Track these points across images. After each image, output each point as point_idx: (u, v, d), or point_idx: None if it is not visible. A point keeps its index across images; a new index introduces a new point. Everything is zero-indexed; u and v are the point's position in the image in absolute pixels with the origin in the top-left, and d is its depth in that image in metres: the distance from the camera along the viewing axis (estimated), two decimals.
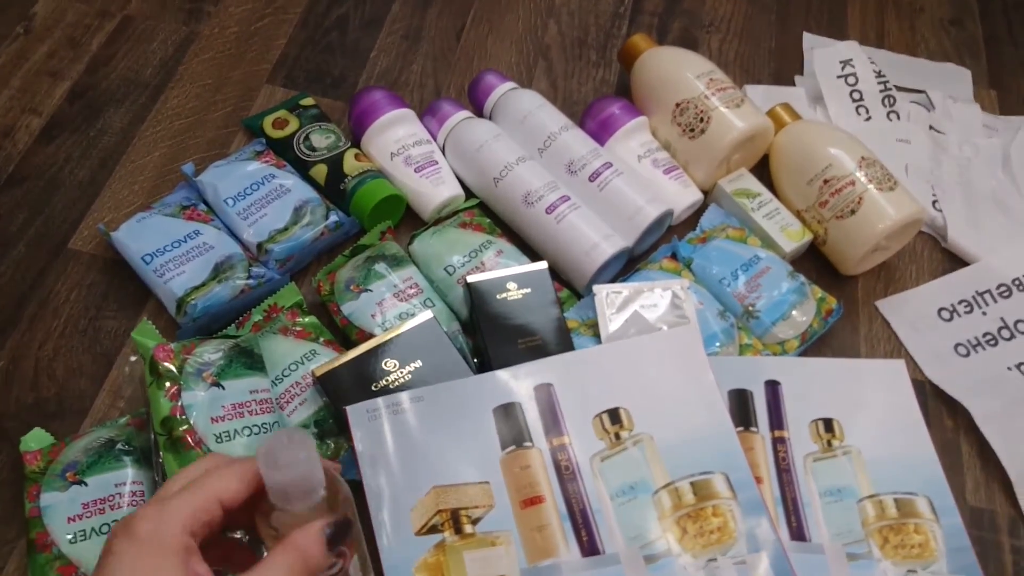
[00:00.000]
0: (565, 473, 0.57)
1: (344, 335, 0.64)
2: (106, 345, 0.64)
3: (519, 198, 0.69)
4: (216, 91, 0.79)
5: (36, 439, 0.58)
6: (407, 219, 0.73)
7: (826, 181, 0.71)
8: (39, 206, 0.70)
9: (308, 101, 0.77)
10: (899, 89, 0.85)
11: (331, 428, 0.59)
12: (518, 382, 0.59)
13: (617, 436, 0.59)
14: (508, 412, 0.58)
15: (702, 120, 0.73)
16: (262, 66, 0.81)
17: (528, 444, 0.58)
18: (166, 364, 0.56)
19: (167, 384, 0.55)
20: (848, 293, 0.73)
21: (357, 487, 0.57)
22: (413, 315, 0.63)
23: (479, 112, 0.77)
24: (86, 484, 0.55)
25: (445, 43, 0.85)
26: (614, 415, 0.59)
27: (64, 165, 0.73)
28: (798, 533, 0.60)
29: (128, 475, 0.56)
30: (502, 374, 0.59)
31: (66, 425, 0.60)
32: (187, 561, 0.39)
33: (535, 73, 0.84)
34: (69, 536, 0.53)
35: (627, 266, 0.72)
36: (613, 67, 0.86)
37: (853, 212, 0.69)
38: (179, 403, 0.55)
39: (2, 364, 0.63)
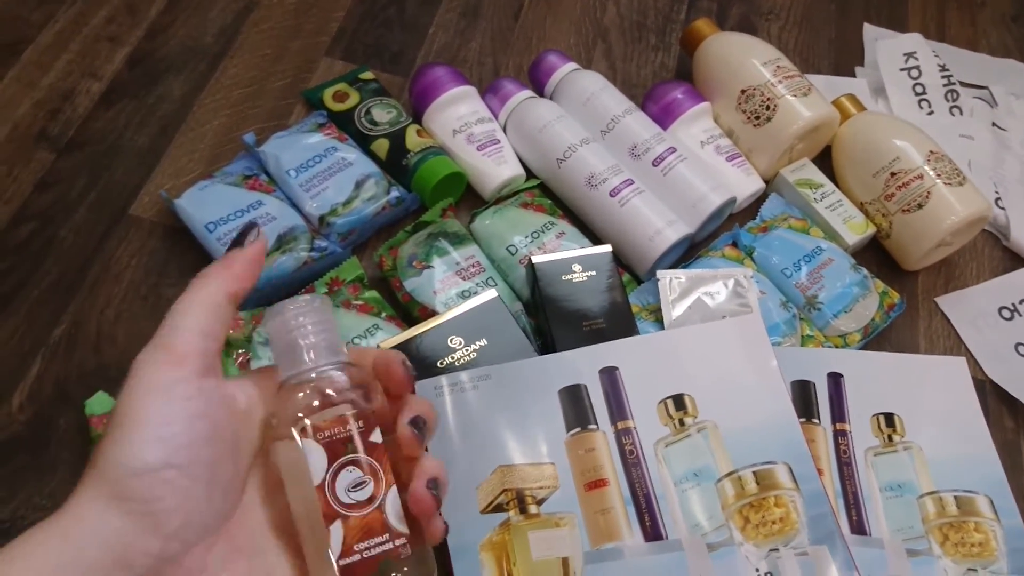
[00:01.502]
0: (629, 457, 0.57)
1: (406, 311, 0.64)
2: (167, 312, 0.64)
3: (582, 180, 0.69)
4: (275, 61, 0.78)
5: (100, 403, 0.58)
6: (467, 197, 0.72)
7: (893, 174, 0.70)
8: (99, 171, 0.70)
9: (368, 75, 0.76)
10: (961, 84, 0.84)
11: None
12: (584, 364, 0.59)
13: (681, 422, 0.58)
14: (574, 394, 0.58)
15: (768, 108, 0.72)
16: (321, 38, 0.80)
17: (593, 427, 0.57)
18: (235, 332, 0.55)
19: (236, 352, 0.55)
20: (908, 288, 0.73)
21: None
22: (475, 294, 0.62)
23: (540, 92, 0.76)
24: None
25: (503, 22, 0.84)
26: (679, 401, 0.59)
27: (124, 131, 0.72)
28: (858, 527, 0.59)
29: None
30: (568, 355, 0.59)
31: None
32: (202, 373, 0.35)
33: (594, 55, 0.83)
34: None
35: (688, 253, 0.71)
36: (672, 51, 0.85)
37: (920, 206, 0.68)
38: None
39: (64, 328, 0.62)
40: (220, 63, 0.77)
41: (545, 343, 0.62)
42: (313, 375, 0.36)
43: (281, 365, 0.37)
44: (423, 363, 0.57)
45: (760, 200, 0.74)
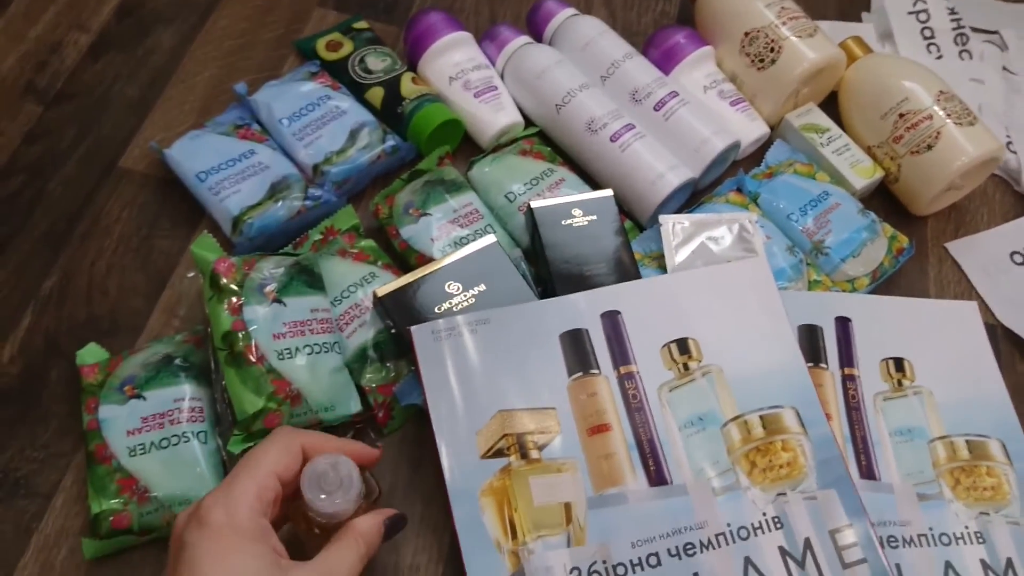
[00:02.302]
0: (632, 402, 0.56)
1: (403, 259, 0.63)
2: (159, 263, 0.63)
3: (582, 125, 0.67)
4: (267, 12, 0.76)
5: (92, 353, 0.57)
6: (465, 145, 0.70)
7: (901, 115, 0.68)
8: (89, 124, 0.69)
9: (361, 24, 0.74)
10: (971, 29, 0.82)
11: (391, 351, 0.58)
12: (585, 308, 0.57)
13: (686, 367, 0.57)
14: (575, 338, 0.56)
15: (772, 50, 0.70)
16: None
17: (595, 371, 0.56)
18: (227, 278, 0.54)
19: (229, 298, 0.54)
20: (918, 234, 0.71)
21: (418, 413, 0.56)
22: (472, 240, 0.61)
23: (538, 39, 0.74)
24: (144, 398, 0.54)
25: None
26: (683, 345, 0.57)
27: (113, 83, 0.71)
28: (868, 472, 0.58)
29: (187, 391, 0.55)
30: (569, 299, 0.57)
31: (120, 342, 0.59)
32: (270, 544, 0.40)
33: (593, 3, 0.81)
34: (129, 448, 0.52)
35: (691, 199, 0.70)
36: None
37: (930, 147, 0.67)
38: (240, 317, 0.53)
39: (55, 281, 0.61)
40: (211, 14, 0.76)
41: (545, 290, 0.61)
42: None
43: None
44: (421, 309, 0.56)
45: (765, 146, 0.72)
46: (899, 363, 0.62)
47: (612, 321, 0.57)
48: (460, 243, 0.62)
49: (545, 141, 0.70)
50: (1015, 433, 0.61)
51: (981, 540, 0.56)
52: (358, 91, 0.69)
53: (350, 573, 0.43)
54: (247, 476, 0.42)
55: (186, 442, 0.53)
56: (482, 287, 0.58)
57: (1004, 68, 0.80)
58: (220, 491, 0.41)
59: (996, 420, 0.61)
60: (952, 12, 0.82)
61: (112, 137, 0.68)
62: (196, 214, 0.64)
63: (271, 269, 0.56)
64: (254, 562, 0.39)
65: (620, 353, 0.57)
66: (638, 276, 0.61)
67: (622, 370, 0.56)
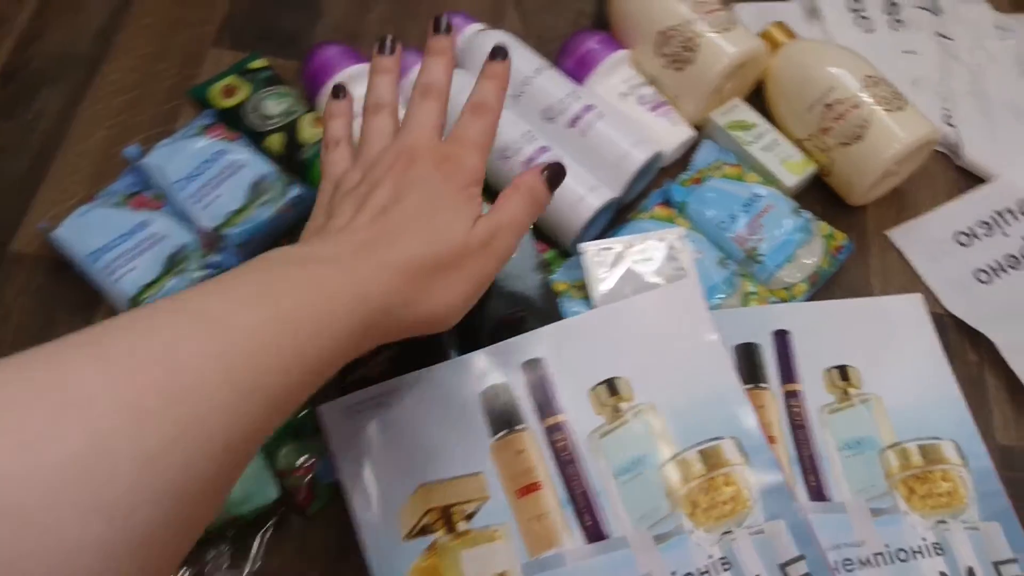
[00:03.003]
0: (562, 455, 0.53)
1: None
2: None
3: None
4: (158, 60, 0.72)
5: None
6: None
7: (828, 105, 0.65)
8: None
9: (259, 63, 0.70)
10: None
11: (307, 428, 0.55)
12: (505, 360, 0.55)
13: (616, 409, 0.54)
14: (495, 394, 0.54)
15: (689, 49, 0.66)
16: (207, 28, 0.74)
17: (520, 427, 0.53)
18: None
19: None
20: (858, 225, 0.68)
21: (338, 490, 0.54)
22: None
23: None
24: None
25: None
26: (611, 386, 0.55)
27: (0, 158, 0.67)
28: (818, 493, 0.56)
29: None
30: (486, 353, 0.55)
31: None
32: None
33: (504, 11, 0.77)
34: None
35: (617, 216, 0.66)
36: None
37: (860, 137, 0.63)
38: None
39: None
40: (99, 68, 0.72)
41: (464, 341, 0.58)
42: None
43: None
44: (329, 383, 0.53)
45: (693, 149, 0.69)
46: (843, 371, 0.59)
47: (534, 370, 0.55)
48: None
49: None
50: (968, 430, 0.58)
51: (940, 551, 0.54)
52: (257, 139, 0.66)
53: (521, 223, 0.48)
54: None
55: None
56: (395, 348, 0.55)
57: (938, 34, 0.77)
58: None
59: (949, 418, 0.59)
60: None
61: (1, 219, 0.64)
62: (94, 297, 0.61)
63: None
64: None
65: (545, 404, 0.54)
66: (560, 314, 0.58)
67: (549, 421, 0.54)
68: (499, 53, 0.51)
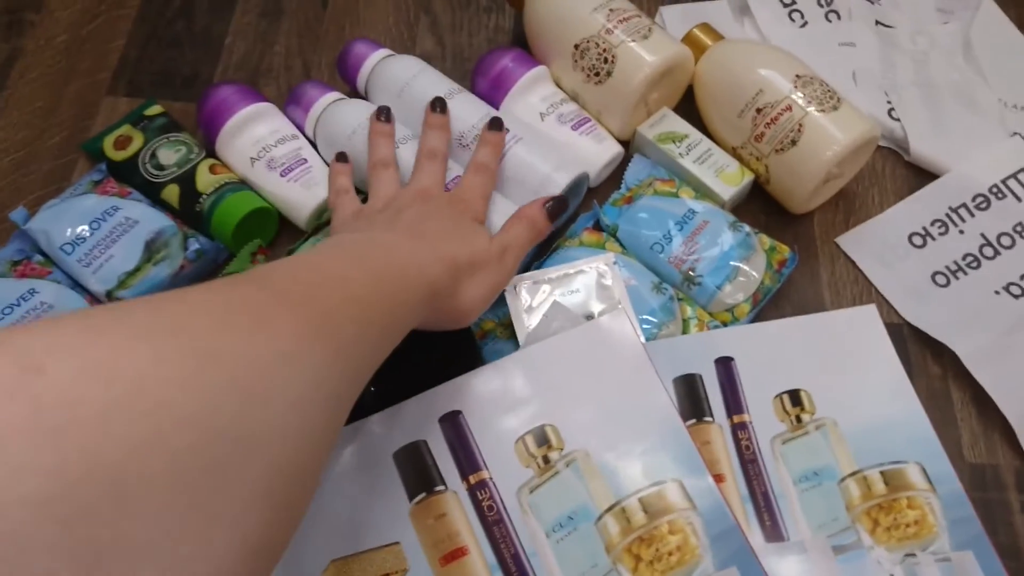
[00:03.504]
0: (489, 515, 0.49)
1: None
2: None
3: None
4: (50, 114, 0.68)
5: None
6: (284, 231, 0.62)
7: (759, 110, 0.60)
8: None
9: (155, 110, 0.66)
10: None
11: None
12: (419, 416, 0.50)
13: (546, 459, 0.50)
14: (411, 454, 0.49)
15: (607, 60, 0.62)
16: (100, 75, 0.70)
17: (441, 488, 0.49)
18: None
19: None
20: (803, 234, 0.64)
21: None
22: None
23: (354, 92, 0.66)
24: None
25: (310, 13, 0.74)
26: (540, 435, 0.50)
27: None
28: (774, 533, 0.51)
29: None
30: (400, 409, 0.50)
31: None
32: None
33: (417, 32, 0.73)
34: None
35: (544, 246, 0.62)
36: (508, 11, 0.74)
37: (794, 142, 0.59)
38: None
39: None
40: None
41: (380, 392, 0.53)
42: None
43: None
44: None
45: (623, 166, 0.65)
46: (795, 396, 0.55)
47: (453, 424, 0.50)
48: None
49: None
50: (934, 449, 0.54)
51: None
52: (153, 192, 0.61)
53: (522, 245, 0.54)
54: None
55: None
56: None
57: (877, 22, 0.73)
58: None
59: (912, 439, 0.54)
60: None
61: None
62: None
63: None
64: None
65: (467, 460, 0.49)
66: (482, 359, 0.53)
67: (472, 479, 0.49)
68: (496, 124, 0.59)
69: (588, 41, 0.63)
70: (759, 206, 0.64)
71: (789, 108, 0.59)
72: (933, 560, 0.51)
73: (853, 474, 0.53)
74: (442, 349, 0.52)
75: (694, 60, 0.65)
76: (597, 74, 0.63)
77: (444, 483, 0.49)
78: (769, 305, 0.60)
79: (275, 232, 0.62)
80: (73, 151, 0.66)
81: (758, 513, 0.52)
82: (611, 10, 0.63)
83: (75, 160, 0.66)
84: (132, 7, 0.73)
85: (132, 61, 0.70)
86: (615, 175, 0.65)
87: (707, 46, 0.65)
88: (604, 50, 0.62)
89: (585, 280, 0.57)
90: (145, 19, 0.73)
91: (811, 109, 0.59)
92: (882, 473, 0.53)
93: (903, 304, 0.61)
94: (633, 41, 0.62)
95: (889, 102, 0.68)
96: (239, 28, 0.73)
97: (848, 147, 0.58)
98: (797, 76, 0.60)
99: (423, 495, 0.48)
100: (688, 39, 0.65)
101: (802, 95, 0.60)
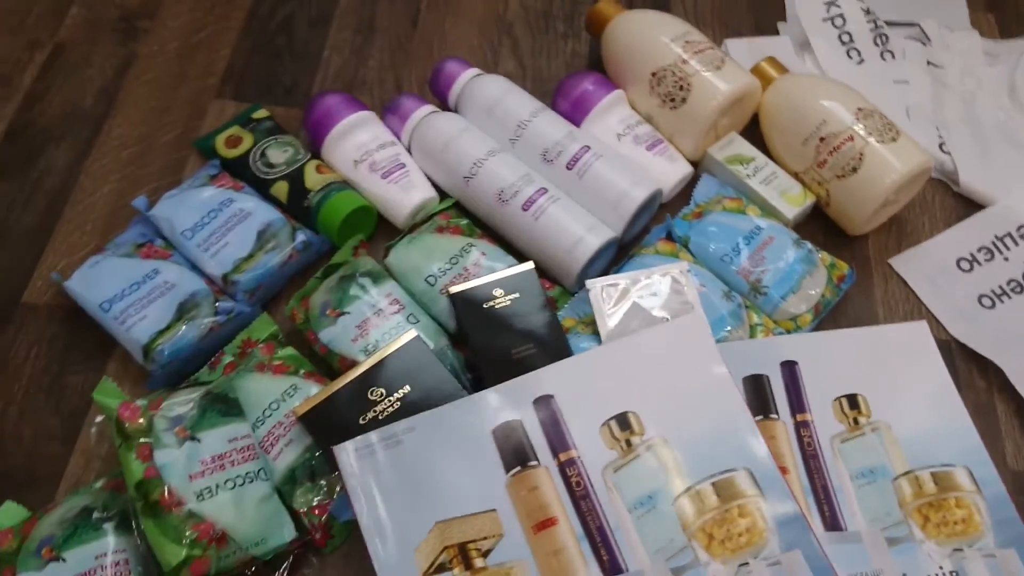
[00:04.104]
0: (577, 490, 0.53)
1: (326, 364, 0.60)
2: (74, 402, 0.60)
3: (493, 196, 0.64)
4: (163, 113, 0.73)
5: (8, 514, 0.54)
6: (380, 229, 0.68)
7: (822, 139, 0.66)
8: None
9: (261, 113, 0.71)
10: (890, 25, 0.80)
11: (322, 467, 0.55)
12: (516, 397, 0.55)
13: (628, 443, 0.54)
14: (508, 431, 0.54)
15: (682, 88, 0.67)
16: (209, 81, 0.76)
17: (534, 463, 0.53)
18: (132, 424, 0.51)
19: (137, 444, 0.51)
20: (859, 254, 0.69)
21: (354, 528, 0.53)
22: (397, 335, 0.58)
23: (444, 105, 0.72)
24: (64, 560, 0.51)
25: (401, 32, 0.80)
26: (623, 421, 0.55)
27: (8, 213, 0.68)
28: (832, 523, 0.55)
29: (109, 544, 0.52)
30: (497, 391, 0.55)
31: (40, 493, 0.56)
32: None
33: (500, 54, 0.79)
34: None
35: (620, 253, 0.67)
36: (584, 37, 0.80)
37: (855, 170, 0.64)
38: (152, 464, 0.51)
39: None
40: (104, 124, 0.73)
41: (477, 377, 0.58)
42: None
43: None
44: (343, 423, 0.53)
45: (692, 185, 0.70)
46: (853, 400, 0.60)
47: (546, 407, 0.55)
48: (384, 339, 0.59)
49: (463, 212, 0.67)
50: (980, 456, 0.58)
51: None
52: (262, 188, 0.66)
53: None
54: None
55: None
56: (407, 388, 0.55)
57: (928, 62, 0.78)
58: None
59: (960, 446, 0.59)
60: (867, 12, 0.80)
61: (12, 272, 0.65)
62: (108, 343, 0.61)
63: (180, 406, 0.53)
64: None
65: (558, 440, 0.54)
66: (569, 351, 0.58)
67: (562, 457, 0.54)
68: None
69: (665, 70, 0.68)
70: (818, 226, 0.69)
71: (851, 138, 0.65)
72: (979, 556, 0.55)
73: (906, 474, 0.57)
74: (533, 341, 0.57)
75: (762, 90, 0.70)
76: (672, 100, 0.68)
77: (537, 459, 0.53)
78: (827, 318, 0.65)
79: (374, 229, 0.67)
80: (184, 148, 0.72)
81: (818, 504, 0.56)
82: (687, 42, 0.68)
83: (187, 156, 0.71)
84: (237, 20, 0.79)
85: (238, 69, 0.76)
86: (684, 193, 0.70)
87: (773, 78, 0.70)
88: (680, 78, 0.67)
89: (661, 285, 0.62)
90: (249, 32, 0.79)
91: (872, 140, 0.64)
92: (932, 474, 0.57)
93: (951, 322, 0.66)
94: (707, 71, 0.67)
95: (940, 137, 0.73)
96: (336, 43, 0.78)
97: (906, 176, 0.64)
98: (859, 109, 0.66)
99: (518, 469, 0.53)
100: (756, 71, 0.71)
101: (863, 126, 0.65)
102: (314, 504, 0.54)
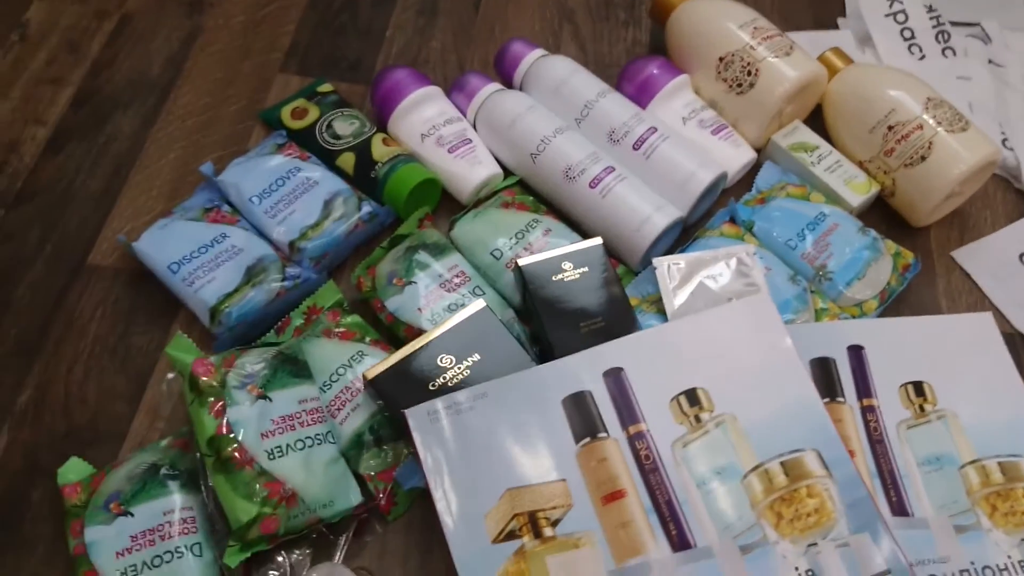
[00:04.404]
0: (646, 463, 0.53)
1: (391, 332, 0.60)
2: (139, 363, 0.60)
3: (560, 173, 0.64)
4: (228, 85, 0.74)
5: (74, 470, 0.54)
6: (445, 203, 0.68)
7: (891, 127, 0.65)
8: (53, 222, 0.66)
9: (326, 87, 0.72)
10: (951, 24, 0.80)
11: (388, 433, 0.55)
12: (585, 369, 0.55)
13: (697, 418, 0.54)
14: (579, 402, 0.54)
15: (750, 73, 0.67)
16: (273, 55, 0.76)
17: (603, 435, 0.53)
18: (207, 379, 0.51)
19: (210, 400, 0.51)
20: (921, 245, 0.68)
21: (424, 495, 0.53)
22: (462, 306, 0.58)
23: (508, 84, 0.72)
24: (132, 515, 0.51)
25: (464, 15, 0.80)
26: (692, 396, 0.55)
27: (75, 176, 0.68)
28: (899, 508, 0.55)
29: (176, 502, 0.52)
30: (567, 361, 0.55)
31: (104, 452, 0.56)
32: None
33: (561, 38, 0.79)
34: (119, 572, 0.49)
35: (683, 235, 0.67)
36: (644, 25, 0.81)
37: (924, 159, 0.64)
38: (225, 420, 0.51)
39: (30, 393, 0.58)
40: (170, 93, 0.73)
41: (542, 350, 0.58)
42: None
43: None
44: (414, 388, 0.53)
45: (754, 170, 0.70)
46: (919, 387, 0.59)
47: (615, 380, 0.55)
48: (449, 309, 0.59)
49: (527, 190, 0.68)
50: None
51: None
52: (328, 158, 0.67)
53: None
54: None
55: (179, 557, 0.50)
56: (476, 356, 0.55)
57: (990, 61, 0.78)
58: None
59: None
60: (930, 9, 0.80)
61: (79, 233, 0.65)
62: (173, 306, 0.62)
63: (253, 364, 0.53)
64: None
65: (627, 412, 0.54)
66: (637, 326, 0.58)
67: (631, 430, 0.53)
68: None
69: (733, 55, 0.68)
70: (880, 217, 0.69)
71: (920, 127, 0.64)
72: None
73: (973, 462, 0.57)
74: (602, 315, 0.57)
75: (827, 79, 0.70)
76: (740, 85, 0.68)
77: (607, 430, 0.53)
78: (891, 307, 0.64)
79: (438, 202, 0.68)
80: (249, 119, 0.72)
81: (885, 489, 0.55)
82: (756, 28, 0.69)
83: (251, 127, 0.72)
84: None
85: (303, 45, 0.77)
86: (746, 180, 0.70)
87: (839, 68, 0.70)
88: (748, 64, 0.68)
89: (727, 266, 0.62)
90: (315, 8, 0.79)
91: (940, 129, 0.64)
92: (1000, 464, 0.57)
93: (1015, 315, 0.65)
94: (776, 57, 0.67)
95: (1003, 133, 0.73)
96: (399, 23, 0.79)
97: (975, 166, 0.63)
98: (928, 99, 0.66)
99: (588, 439, 0.53)
100: (822, 59, 0.71)
101: (932, 116, 0.65)
102: (379, 470, 0.54)
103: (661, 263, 0.61)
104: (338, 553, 0.52)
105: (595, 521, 0.51)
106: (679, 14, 0.73)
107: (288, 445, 0.51)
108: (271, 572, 0.51)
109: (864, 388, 0.59)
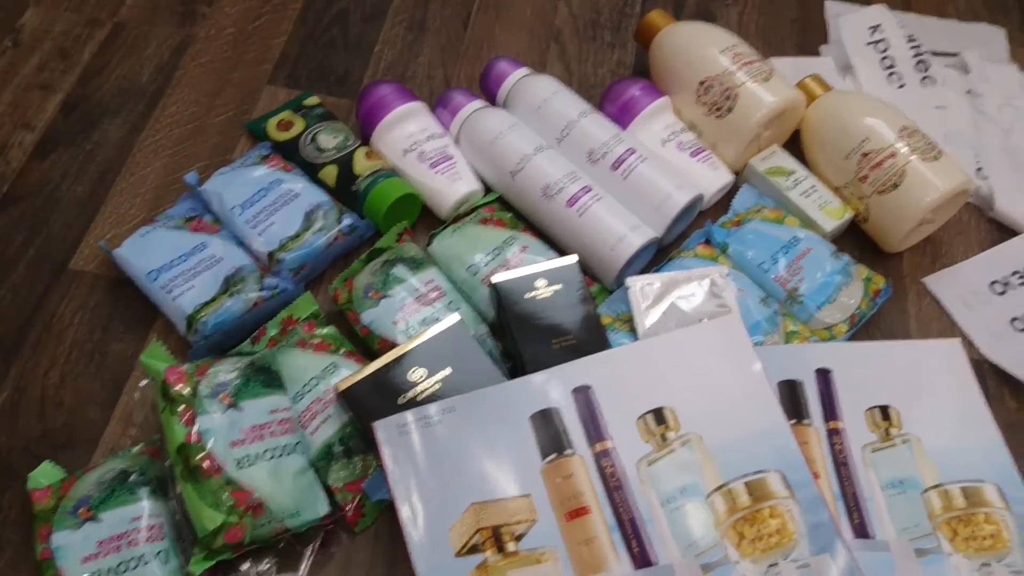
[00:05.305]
0: (611, 480, 0.53)
1: (365, 345, 0.61)
2: (115, 369, 0.61)
3: (538, 191, 0.65)
4: (216, 95, 0.75)
5: (45, 474, 0.54)
6: (424, 218, 0.69)
7: (865, 154, 0.67)
8: (37, 226, 0.67)
9: (313, 100, 0.73)
10: (932, 54, 0.81)
11: (358, 445, 0.55)
12: (554, 386, 0.55)
13: (664, 437, 0.55)
14: (546, 418, 0.54)
15: (729, 97, 0.69)
16: (262, 67, 0.77)
17: (569, 452, 0.54)
18: (178, 387, 0.52)
19: (180, 408, 0.52)
20: (893, 271, 0.69)
21: (391, 507, 0.54)
22: (437, 320, 0.59)
23: (493, 102, 0.73)
24: (100, 520, 0.52)
25: (452, 32, 0.81)
26: (659, 415, 0.55)
27: (61, 181, 0.69)
28: (861, 530, 0.56)
29: (144, 508, 0.52)
30: (537, 378, 0.55)
31: (77, 456, 0.57)
32: None
33: (548, 58, 0.80)
34: None
35: (658, 256, 0.68)
36: (629, 47, 0.82)
37: (896, 186, 0.65)
38: (195, 428, 0.51)
39: (6, 395, 0.59)
40: (158, 102, 0.74)
41: (515, 366, 0.59)
42: None
43: None
44: (384, 401, 0.54)
45: (732, 193, 0.71)
46: (885, 411, 0.60)
47: (583, 397, 0.55)
48: (424, 323, 0.60)
49: (506, 207, 0.69)
50: (1010, 475, 0.59)
51: None
52: (312, 171, 0.68)
53: None
54: None
55: (145, 564, 0.50)
56: (448, 371, 0.56)
57: (968, 91, 0.79)
58: None
59: (990, 463, 0.59)
60: (911, 39, 0.81)
61: (62, 238, 0.66)
62: (150, 314, 0.62)
63: (225, 373, 0.54)
64: None
65: (594, 430, 0.55)
66: (607, 345, 0.59)
67: (597, 447, 0.54)
68: None
69: (713, 79, 0.69)
70: (853, 242, 0.70)
71: (893, 155, 0.66)
72: (1007, 572, 0.55)
73: (936, 487, 0.57)
74: (573, 332, 0.58)
75: (805, 105, 0.71)
76: (719, 109, 0.69)
77: (573, 447, 0.54)
78: (861, 331, 0.65)
79: (417, 217, 0.68)
80: (236, 129, 0.73)
81: (848, 511, 0.56)
82: (736, 53, 0.70)
83: (237, 137, 0.73)
84: (293, 10, 0.81)
85: (291, 57, 0.78)
86: (722, 202, 0.71)
87: (817, 94, 0.71)
88: (727, 88, 0.69)
89: (699, 287, 0.62)
90: (305, 22, 0.80)
91: (914, 157, 0.65)
92: (962, 489, 0.57)
93: (984, 343, 0.66)
94: (755, 82, 0.68)
95: (978, 162, 0.74)
96: (388, 38, 0.80)
97: (946, 194, 0.64)
98: (903, 128, 0.67)
99: (554, 456, 0.53)
100: (800, 86, 0.72)
101: (906, 144, 0.66)
102: (348, 481, 0.55)
103: (634, 282, 0.62)
104: (303, 563, 0.53)
105: (558, 537, 0.51)
106: (662, 37, 0.74)
107: (257, 455, 0.52)
108: None
109: (831, 411, 0.59)
